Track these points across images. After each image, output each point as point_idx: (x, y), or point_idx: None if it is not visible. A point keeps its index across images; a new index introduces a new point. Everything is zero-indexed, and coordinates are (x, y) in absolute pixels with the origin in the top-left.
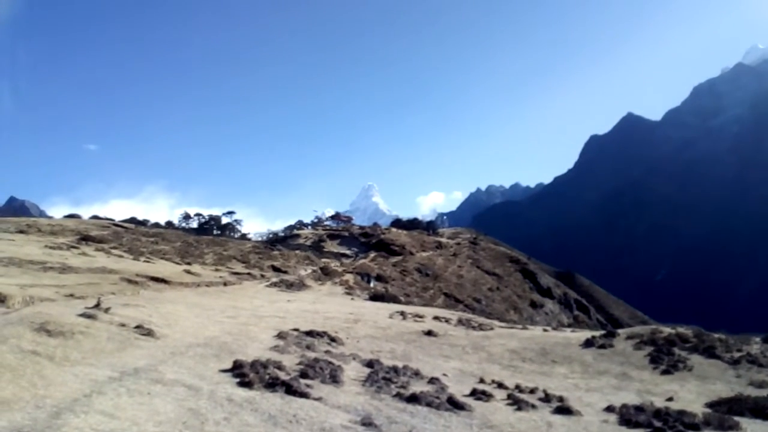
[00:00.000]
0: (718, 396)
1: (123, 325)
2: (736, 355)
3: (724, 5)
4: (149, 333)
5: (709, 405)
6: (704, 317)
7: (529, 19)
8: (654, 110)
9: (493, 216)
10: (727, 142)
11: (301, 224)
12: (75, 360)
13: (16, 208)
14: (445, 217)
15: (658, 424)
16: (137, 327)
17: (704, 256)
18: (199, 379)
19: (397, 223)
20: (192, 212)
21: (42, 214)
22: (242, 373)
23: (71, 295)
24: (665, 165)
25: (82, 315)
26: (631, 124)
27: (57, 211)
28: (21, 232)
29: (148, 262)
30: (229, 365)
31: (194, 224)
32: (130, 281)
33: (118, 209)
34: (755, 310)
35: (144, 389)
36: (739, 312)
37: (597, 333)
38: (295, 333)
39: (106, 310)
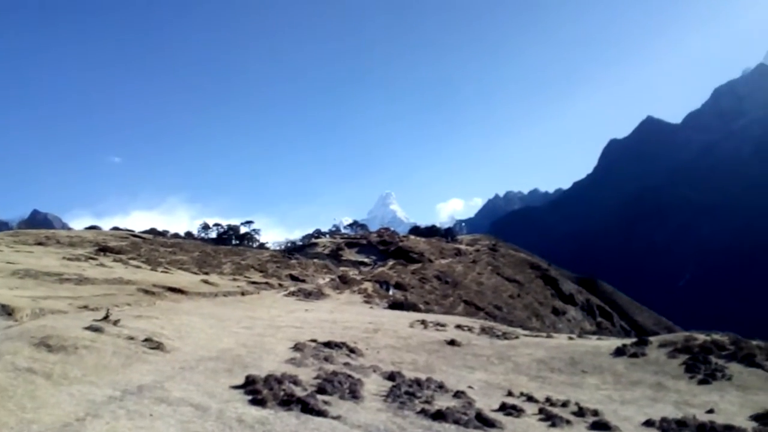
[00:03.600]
0: (763, 408)
1: (131, 338)
2: None
3: (745, 6)
4: (158, 346)
5: (755, 418)
6: (729, 323)
7: (547, 24)
8: (674, 113)
9: (511, 222)
10: (749, 144)
11: (318, 233)
12: (74, 378)
13: (39, 221)
14: (463, 224)
15: None
16: (146, 340)
17: (728, 261)
18: (208, 397)
19: (416, 230)
20: (211, 222)
21: (64, 227)
22: (255, 390)
23: (85, 307)
24: (686, 168)
25: (89, 328)
26: (650, 127)
27: (79, 224)
28: (39, 244)
29: (165, 272)
30: (241, 381)
31: (213, 234)
32: (146, 292)
33: (139, 221)
34: None
35: (146, 410)
36: (765, 319)
37: (628, 341)
38: (313, 344)
39: (115, 323)
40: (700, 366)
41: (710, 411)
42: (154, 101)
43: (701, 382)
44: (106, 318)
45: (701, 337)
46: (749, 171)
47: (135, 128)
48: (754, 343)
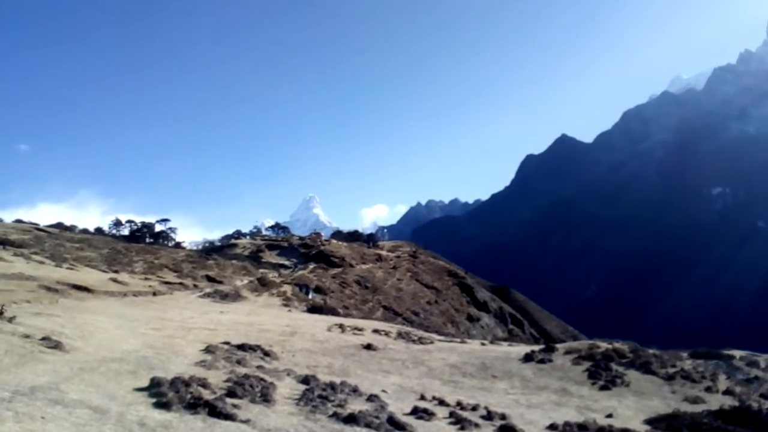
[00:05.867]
0: (656, 412)
1: (27, 336)
2: (671, 370)
3: (654, 36)
4: (57, 345)
5: (648, 422)
6: (630, 333)
7: (470, 42)
8: (587, 133)
9: (432, 230)
10: (653, 165)
11: (239, 234)
12: None
13: None
14: (385, 230)
15: None
16: (44, 339)
17: (630, 274)
18: (108, 400)
19: (338, 235)
20: (124, 219)
21: None
22: (160, 392)
23: None
24: (596, 185)
25: None
26: (564, 145)
27: None
28: None
29: (71, 269)
30: (146, 383)
31: (125, 231)
32: (49, 289)
33: (46, 214)
34: (677, 325)
35: (37, 412)
36: (662, 328)
37: (536, 347)
38: (226, 346)
39: (10, 320)
40: (602, 372)
41: (609, 415)
42: (69, 87)
43: (602, 388)
44: (0, 314)
45: (604, 345)
46: (652, 189)
47: (46, 114)
48: (651, 351)
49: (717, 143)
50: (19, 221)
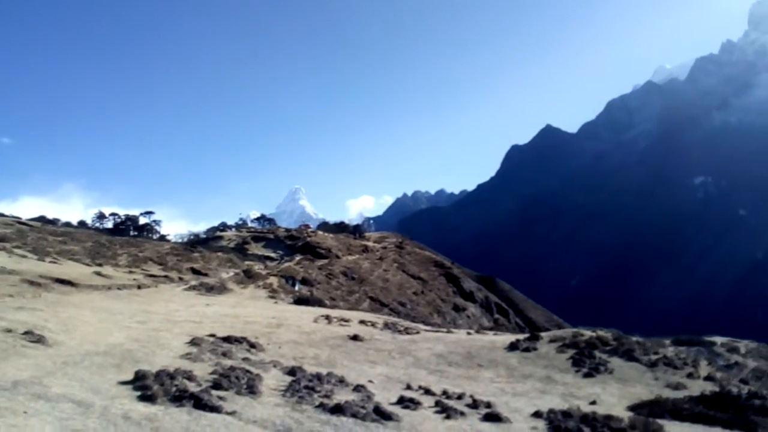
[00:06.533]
0: (639, 399)
1: (9, 330)
2: (653, 357)
3: (638, 26)
4: (40, 340)
5: (631, 408)
6: (613, 321)
7: (454, 34)
8: (571, 123)
9: (418, 221)
10: (636, 155)
11: (224, 226)
12: None
13: None
14: (371, 221)
15: (586, 430)
16: (26, 333)
17: (614, 263)
18: (92, 393)
19: (324, 226)
20: (108, 212)
21: None
22: (144, 386)
23: None
24: (580, 175)
25: None
26: (549, 135)
27: None
28: None
29: (54, 262)
30: (130, 376)
31: (109, 224)
32: (31, 283)
33: (28, 207)
34: (660, 314)
35: (20, 407)
36: (645, 316)
37: (521, 336)
38: (211, 339)
39: None
40: (586, 360)
41: (593, 402)
42: (52, 80)
43: (586, 375)
44: None
45: (587, 333)
46: (635, 179)
47: (28, 107)
48: (634, 339)
49: (699, 133)
50: (0, 215)
